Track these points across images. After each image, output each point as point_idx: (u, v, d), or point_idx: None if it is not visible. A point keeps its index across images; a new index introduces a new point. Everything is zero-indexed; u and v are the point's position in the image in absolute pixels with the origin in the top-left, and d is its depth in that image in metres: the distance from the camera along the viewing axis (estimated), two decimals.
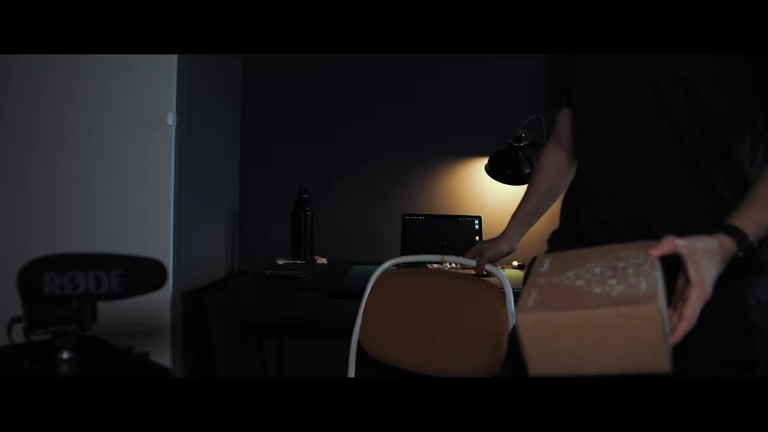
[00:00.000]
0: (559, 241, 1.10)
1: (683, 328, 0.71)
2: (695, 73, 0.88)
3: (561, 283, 0.74)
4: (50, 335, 0.78)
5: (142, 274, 0.82)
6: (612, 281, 0.70)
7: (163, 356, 1.67)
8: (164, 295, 1.67)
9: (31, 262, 0.74)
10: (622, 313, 0.65)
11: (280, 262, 2.13)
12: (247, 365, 2.13)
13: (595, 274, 0.73)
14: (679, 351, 0.70)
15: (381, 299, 1.48)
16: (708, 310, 0.76)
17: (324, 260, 2.19)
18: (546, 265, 0.82)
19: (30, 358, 0.81)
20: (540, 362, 0.69)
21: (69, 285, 0.74)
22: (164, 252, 1.65)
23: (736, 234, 0.78)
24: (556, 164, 1.24)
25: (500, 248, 1.27)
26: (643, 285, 0.67)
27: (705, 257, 0.73)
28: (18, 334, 0.78)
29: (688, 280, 0.73)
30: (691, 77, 0.88)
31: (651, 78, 0.92)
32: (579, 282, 0.73)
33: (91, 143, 1.66)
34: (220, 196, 2.20)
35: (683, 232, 0.77)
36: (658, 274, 0.69)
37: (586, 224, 1.02)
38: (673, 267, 0.75)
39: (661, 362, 0.66)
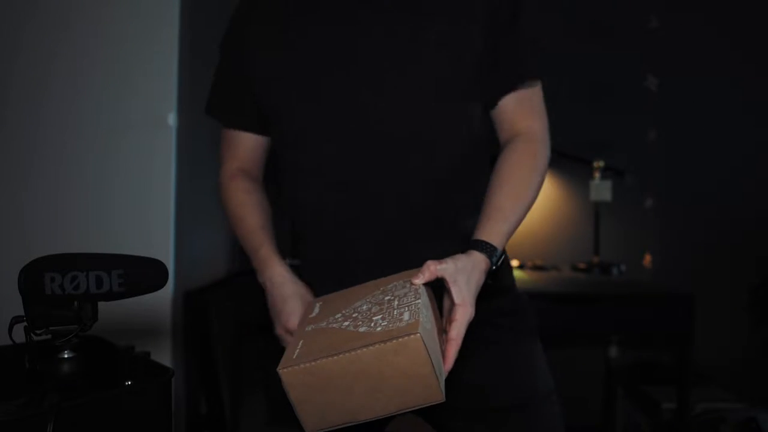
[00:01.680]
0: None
1: (452, 350, 0.69)
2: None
3: (328, 327, 0.69)
4: (51, 335, 0.78)
5: (142, 273, 0.82)
6: (377, 317, 0.66)
7: (164, 356, 1.67)
8: (165, 294, 1.66)
9: (32, 262, 0.74)
10: (387, 349, 0.60)
11: None
12: (247, 365, 2.13)
13: (362, 312, 0.69)
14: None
15: None
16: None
17: None
18: (315, 310, 0.78)
19: (31, 357, 0.81)
20: (313, 419, 0.63)
21: (70, 285, 0.74)
22: (165, 252, 1.65)
23: (488, 249, 0.79)
24: (260, 199, 1.05)
25: None
26: (405, 316, 0.63)
27: (464, 277, 0.73)
28: (19, 334, 0.78)
29: (452, 302, 0.72)
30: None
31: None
32: (346, 323, 0.68)
33: (91, 143, 1.66)
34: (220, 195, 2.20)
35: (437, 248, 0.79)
36: (421, 303, 0.66)
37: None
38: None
39: (434, 394, 0.62)
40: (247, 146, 1.04)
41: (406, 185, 0.86)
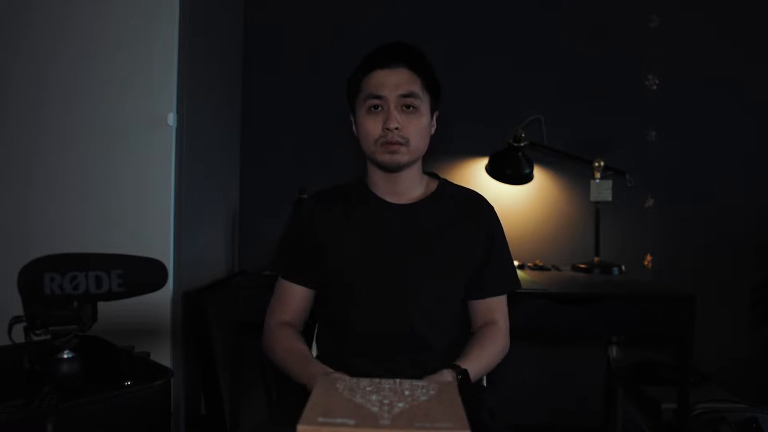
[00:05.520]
0: None
1: None
2: None
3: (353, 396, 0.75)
4: (51, 335, 0.78)
5: (142, 274, 0.82)
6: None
7: (164, 356, 1.67)
8: (164, 294, 1.66)
9: (32, 262, 0.74)
10: None
11: None
12: (247, 365, 2.13)
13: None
14: None
15: None
16: None
17: None
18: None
19: (31, 357, 0.81)
20: None
21: (69, 285, 0.74)
22: (164, 252, 1.65)
23: (459, 370, 1.11)
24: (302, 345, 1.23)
25: None
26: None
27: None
28: (19, 334, 0.78)
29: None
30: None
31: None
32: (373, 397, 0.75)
33: (91, 143, 1.66)
34: (220, 195, 2.20)
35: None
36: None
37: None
38: None
39: None
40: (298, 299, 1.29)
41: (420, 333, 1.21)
